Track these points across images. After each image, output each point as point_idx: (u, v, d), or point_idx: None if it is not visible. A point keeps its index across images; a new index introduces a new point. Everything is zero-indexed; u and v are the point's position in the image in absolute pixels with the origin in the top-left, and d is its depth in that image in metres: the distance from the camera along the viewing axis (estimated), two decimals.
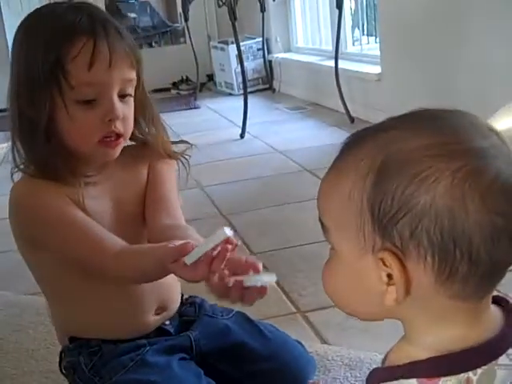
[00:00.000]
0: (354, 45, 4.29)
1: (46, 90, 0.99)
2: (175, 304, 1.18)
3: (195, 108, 4.80)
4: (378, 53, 3.61)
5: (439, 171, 0.56)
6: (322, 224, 0.66)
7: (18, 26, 1.06)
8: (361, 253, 0.61)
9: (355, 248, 0.61)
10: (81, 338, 1.11)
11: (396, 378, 0.60)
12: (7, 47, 5.74)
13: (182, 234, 1.01)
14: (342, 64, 3.83)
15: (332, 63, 3.86)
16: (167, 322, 1.16)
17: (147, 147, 1.14)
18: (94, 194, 1.07)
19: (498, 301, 0.65)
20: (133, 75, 1.04)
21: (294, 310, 1.59)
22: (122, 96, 1.03)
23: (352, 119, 3.66)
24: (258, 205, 2.45)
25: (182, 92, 5.47)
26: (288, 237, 2.07)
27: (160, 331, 1.14)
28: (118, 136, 1.04)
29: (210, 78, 5.74)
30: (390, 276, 0.59)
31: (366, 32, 4.31)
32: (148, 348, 1.09)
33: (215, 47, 5.43)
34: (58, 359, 1.20)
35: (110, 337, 1.10)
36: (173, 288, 1.17)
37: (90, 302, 1.10)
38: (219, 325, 1.17)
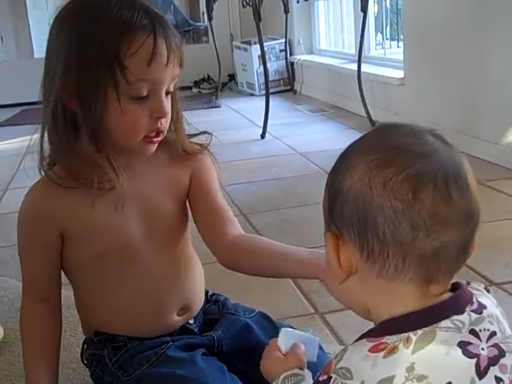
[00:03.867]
0: (375, 49, 4.29)
1: (99, 83, 0.97)
2: (198, 305, 1.18)
3: (216, 107, 4.82)
4: (400, 57, 3.60)
5: (358, 162, 0.68)
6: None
7: (61, 14, 1.01)
8: (326, 235, 0.72)
9: (326, 229, 0.73)
10: (106, 332, 1.12)
11: (352, 343, 0.69)
12: (31, 42, 5.80)
13: (257, 243, 1.12)
14: (364, 68, 3.83)
15: (354, 66, 3.86)
16: (191, 321, 1.16)
17: (178, 145, 1.12)
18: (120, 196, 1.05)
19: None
20: (178, 72, 1.04)
21: (312, 310, 1.60)
22: (167, 93, 1.03)
23: (373, 123, 3.66)
24: (277, 205, 2.46)
25: (204, 91, 5.50)
26: (307, 237, 2.07)
27: (184, 330, 1.15)
28: (159, 133, 1.04)
29: (232, 77, 5.76)
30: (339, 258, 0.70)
31: (388, 36, 4.31)
32: (171, 344, 1.09)
33: (238, 47, 5.44)
34: (77, 350, 1.21)
35: (134, 334, 1.11)
36: (197, 289, 1.17)
37: (115, 299, 1.10)
38: (241, 323, 1.16)
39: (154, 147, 1.05)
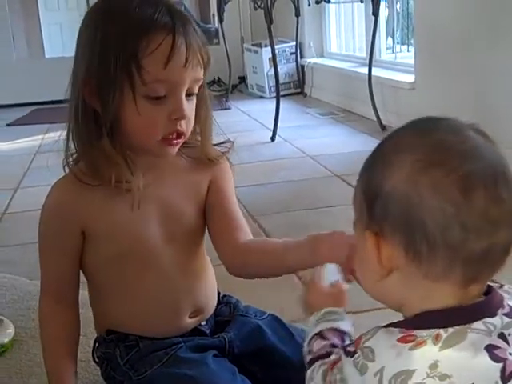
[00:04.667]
0: (386, 53, 4.29)
1: (116, 82, 0.96)
2: (211, 307, 1.18)
3: (226, 109, 4.83)
4: (411, 61, 3.60)
5: (402, 161, 0.66)
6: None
7: (88, 15, 1.02)
8: (363, 232, 0.71)
9: (361, 227, 0.72)
10: (118, 331, 1.12)
11: (386, 326, 0.69)
12: (42, 42, 5.83)
13: (269, 246, 1.13)
14: (375, 71, 3.83)
15: (365, 70, 3.86)
16: (203, 323, 1.16)
17: (202, 150, 1.11)
18: (142, 199, 1.05)
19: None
20: (201, 75, 1.02)
21: None
22: (188, 95, 1.01)
23: (383, 127, 3.66)
24: (287, 208, 2.46)
25: (214, 93, 5.45)
26: None
27: (196, 331, 1.15)
28: (179, 135, 1.02)
29: (242, 80, 5.77)
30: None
31: (398, 40, 4.31)
32: (182, 344, 1.09)
33: (248, 49, 5.45)
34: (87, 348, 1.21)
35: (147, 335, 1.11)
36: (209, 293, 1.18)
37: (130, 299, 1.11)
38: (252, 325, 1.16)
39: (175, 149, 1.04)
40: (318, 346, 0.81)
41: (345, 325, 0.83)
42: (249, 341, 1.14)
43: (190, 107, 1.02)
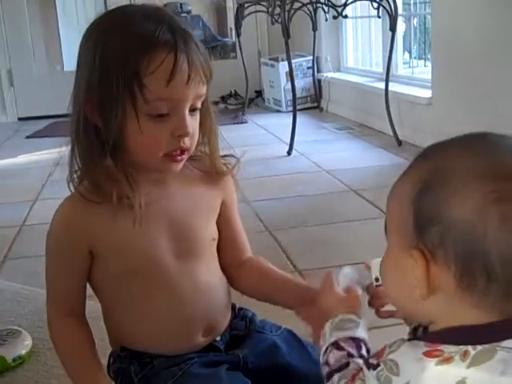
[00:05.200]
0: (403, 68, 4.29)
1: (118, 100, 0.95)
2: (223, 325, 1.15)
3: (243, 123, 4.85)
4: (428, 76, 3.60)
5: (471, 191, 0.63)
6: (385, 225, 0.75)
7: (89, 30, 1.01)
8: (403, 248, 0.69)
9: (400, 243, 0.70)
10: (132, 349, 1.11)
11: (410, 339, 0.69)
12: (62, 56, 5.89)
13: (271, 274, 1.17)
14: (391, 86, 3.84)
15: (381, 85, 3.87)
16: (218, 338, 1.14)
17: (211, 162, 1.11)
18: (150, 213, 1.03)
19: None
20: (204, 91, 1.01)
21: None
22: (192, 110, 1.00)
23: (399, 142, 3.66)
24: (303, 222, 2.46)
25: (230, 106, 5.53)
26: (332, 256, 2.08)
27: (210, 347, 1.13)
28: (183, 151, 1.01)
29: (259, 93, 5.79)
30: None
31: (415, 55, 4.31)
32: (196, 360, 1.08)
33: (265, 63, 5.48)
34: (104, 361, 1.22)
35: (159, 352, 1.09)
36: (222, 311, 1.15)
37: (140, 318, 1.09)
38: (268, 342, 1.15)
39: (179, 166, 1.03)
40: (335, 357, 0.81)
41: (360, 332, 0.83)
42: (263, 358, 1.12)
43: (193, 122, 1.01)
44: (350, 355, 0.80)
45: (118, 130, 0.97)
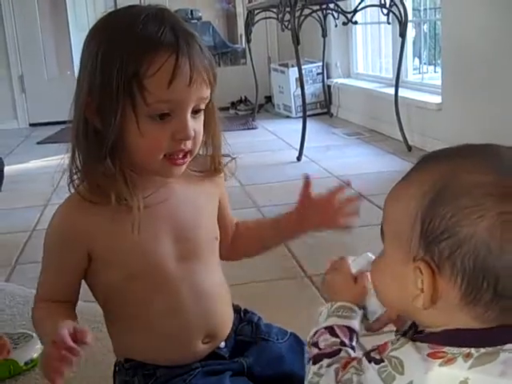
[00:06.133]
0: (413, 73, 4.29)
1: (118, 102, 0.94)
2: (225, 333, 1.13)
3: (253, 129, 4.86)
4: (438, 82, 3.60)
5: (486, 210, 0.64)
6: (382, 229, 0.76)
7: (92, 31, 1.01)
8: (405, 258, 0.69)
9: (402, 253, 0.70)
10: (135, 360, 1.09)
11: (413, 340, 0.69)
12: (72, 61, 5.92)
13: (262, 220, 1.25)
14: (401, 92, 3.84)
15: (391, 91, 3.87)
16: (222, 345, 1.12)
17: (212, 162, 1.10)
18: (151, 216, 1.03)
19: None
20: (207, 93, 0.99)
21: None
22: (195, 112, 0.99)
23: (409, 148, 3.66)
24: None
25: (240, 112, 5.54)
26: None
27: (214, 355, 1.11)
28: (185, 155, 1.00)
29: (269, 99, 5.80)
30: (423, 283, 0.68)
31: (425, 61, 4.31)
32: (200, 369, 1.07)
33: (275, 69, 5.49)
34: (112, 366, 1.22)
35: (160, 362, 1.08)
36: (223, 319, 1.13)
37: (140, 325, 1.07)
38: (274, 351, 1.13)
39: (180, 169, 1.01)
40: (326, 341, 0.81)
41: (356, 324, 0.83)
42: (268, 367, 1.11)
43: (196, 124, 1.00)
44: (342, 344, 0.80)
45: (118, 132, 0.96)
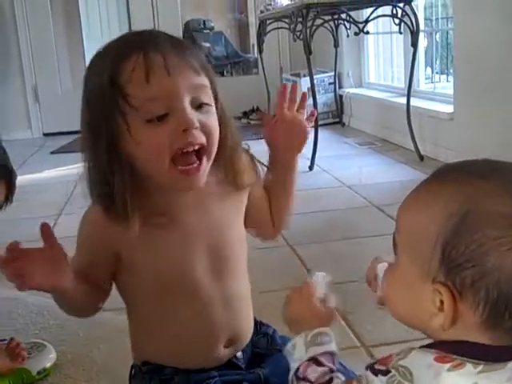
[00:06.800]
0: (425, 83, 4.29)
1: (108, 115, 0.94)
2: (246, 338, 1.14)
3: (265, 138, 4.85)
4: (450, 92, 3.60)
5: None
6: (394, 238, 0.74)
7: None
8: (422, 277, 0.68)
9: (418, 271, 0.69)
10: (154, 363, 1.10)
11: (421, 347, 0.69)
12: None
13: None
14: (413, 102, 3.84)
15: (403, 100, 3.87)
16: (239, 355, 1.13)
17: (234, 177, 1.07)
18: (183, 232, 1.02)
19: None
20: (200, 80, 0.96)
21: (358, 343, 1.60)
22: (199, 106, 0.95)
23: (421, 157, 3.66)
24: (324, 237, 2.46)
25: (252, 122, 5.55)
26: (354, 271, 2.07)
27: (231, 365, 1.12)
28: (199, 156, 0.95)
29: None
30: (442, 303, 0.67)
31: (437, 70, 4.31)
32: (217, 379, 1.07)
33: (287, 79, 5.49)
34: (127, 374, 1.23)
35: (181, 366, 1.08)
36: (245, 324, 1.14)
37: (166, 328, 1.08)
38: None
39: (199, 178, 0.97)
40: (316, 373, 0.80)
41: (333, 345, 0.83)
42: (284, 377, 1.10)
43: (204, 117, 0.95)
44: (331, 371, 0.80)
45: (116, 146, 0.95)
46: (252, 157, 1.14)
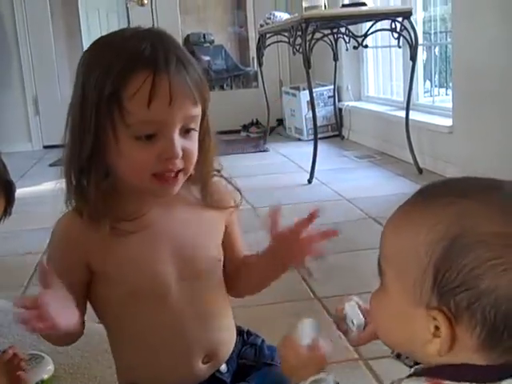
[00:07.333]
0: (424, 96, 4.31)
1: (99, 120, 0.94)
2: (226, 353, 1.11)
3: (264, 151, 4.88)
4: (449, 105, 3.61)
5: (509, 263, 0.62)
6: (380, 264, 0.72)
7: (84, 53, 1.00)
8: (414, 302, 0.67)
9: (409, 297, 0.67)
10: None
11: (410, 376, 0.68)
12: None
13: (250, 259, 1.15)
14: (412, 115, 3.85)
15: (402, 113, 3.88)
16: (223, 368, 1.10)
17: (199, 178, 1.07)
18: (150, 235, 1.02)
19: None
20: (196, 112, 0.97)
21: (356, 356, 1.60)
22: (186, 131, 0.97)
23: (420, 170, 3.66)
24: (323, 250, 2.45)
25: (252, 135, 5.57)
26: (352, 283, 2.07)
27: (215, 380, 1.09)
28: (177, 173, 0.97)
29: (280, 122, 5.83)
30: (437, 328, 0.65)
31: (436, 83, 4.33)
32: None
33: (287, 92, 5.52)
34: None
35: None
36: (225, 338, 1.12)
37: (139, 343, 1.06)
38: (277, 376, 1.09)
39: (173, 188, 0.99)
40: None
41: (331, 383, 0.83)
42: None
43: (187, 143, 0.97)
44: None
45: (101, 152, 0.96)
46: (228, 181, 1.13)
